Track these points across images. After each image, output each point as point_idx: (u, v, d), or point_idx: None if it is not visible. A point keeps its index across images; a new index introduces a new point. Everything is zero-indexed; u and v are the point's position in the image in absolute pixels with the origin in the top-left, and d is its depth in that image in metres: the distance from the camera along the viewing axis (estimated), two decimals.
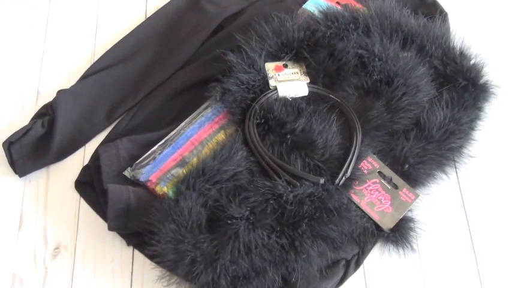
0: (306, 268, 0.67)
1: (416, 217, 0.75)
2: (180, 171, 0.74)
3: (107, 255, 0.74)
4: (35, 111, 0.83)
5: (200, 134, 0.78)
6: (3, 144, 0.77)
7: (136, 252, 0.74)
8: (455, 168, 0.81)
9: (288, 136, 0.75)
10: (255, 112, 0.77)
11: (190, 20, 0.92)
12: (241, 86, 0.78)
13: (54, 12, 0.95)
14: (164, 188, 0.73)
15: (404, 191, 0.75)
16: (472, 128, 0.81)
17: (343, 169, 0.73)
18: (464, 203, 0.79)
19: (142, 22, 0.92)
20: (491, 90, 0.82)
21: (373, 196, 0.74)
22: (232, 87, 0.77)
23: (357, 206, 0.73)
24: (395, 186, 0.75)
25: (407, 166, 0.76)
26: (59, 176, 0.79)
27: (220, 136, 0.77)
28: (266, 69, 0.81)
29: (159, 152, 0.76)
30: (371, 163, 0.76)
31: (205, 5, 0.94)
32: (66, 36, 0.92)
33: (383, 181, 0.75)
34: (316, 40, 0.82)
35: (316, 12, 0.85)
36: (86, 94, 0.83)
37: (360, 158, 0.75)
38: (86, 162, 0.80)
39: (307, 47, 0.83)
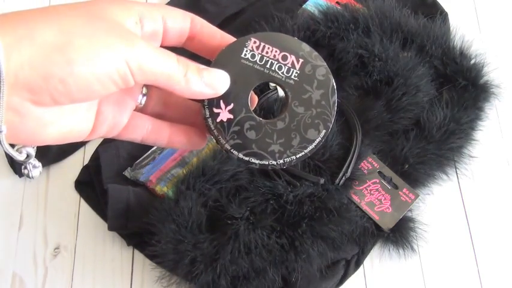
0: (306, 268, 0.67)
1: (417, 217, 0.75)
2: (180, 171, 0.74)
3: (107, 255, 0.74)
4: None
5: None
6: None
7: (136, 252, 0.74)
8: (455, 168, 0.80)
9: None
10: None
11: None
12: None
13: None
14: (164, 188, 0.73)
15: (404, 191, 0.75)
16: (472, 128, 0.80)
17: (343, 169, 0.73)
18: (464, 203, 0.79)
19: None
20: (491, 90, 0.82)
21: (373, 196, 0.74)
22: None
23: (357, 206, 0.73)
24: (395, 186, 0.75)
25: (407, 166, 0.76)
26: (59, 176, 0.79)
27: None
28: None
29: (159, 152, 0.76)
30: (371, 163, 0.76)
31: (205, 4, 0.94)
32: None
33: (383, 181, 0.75)
34: (316, 40, 0.82)
35: (316, 12, 0.85)
36: None
37: (360, 158, 0.75)
38: (86, 162, 0.80)
39: None
